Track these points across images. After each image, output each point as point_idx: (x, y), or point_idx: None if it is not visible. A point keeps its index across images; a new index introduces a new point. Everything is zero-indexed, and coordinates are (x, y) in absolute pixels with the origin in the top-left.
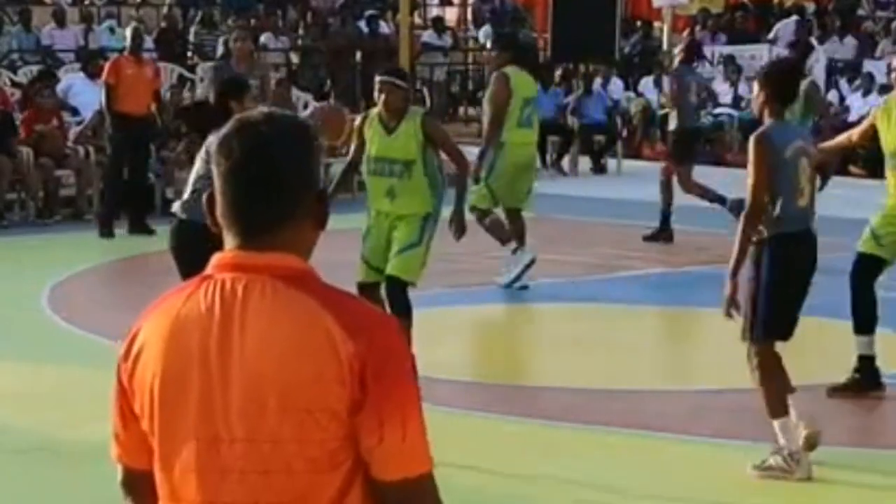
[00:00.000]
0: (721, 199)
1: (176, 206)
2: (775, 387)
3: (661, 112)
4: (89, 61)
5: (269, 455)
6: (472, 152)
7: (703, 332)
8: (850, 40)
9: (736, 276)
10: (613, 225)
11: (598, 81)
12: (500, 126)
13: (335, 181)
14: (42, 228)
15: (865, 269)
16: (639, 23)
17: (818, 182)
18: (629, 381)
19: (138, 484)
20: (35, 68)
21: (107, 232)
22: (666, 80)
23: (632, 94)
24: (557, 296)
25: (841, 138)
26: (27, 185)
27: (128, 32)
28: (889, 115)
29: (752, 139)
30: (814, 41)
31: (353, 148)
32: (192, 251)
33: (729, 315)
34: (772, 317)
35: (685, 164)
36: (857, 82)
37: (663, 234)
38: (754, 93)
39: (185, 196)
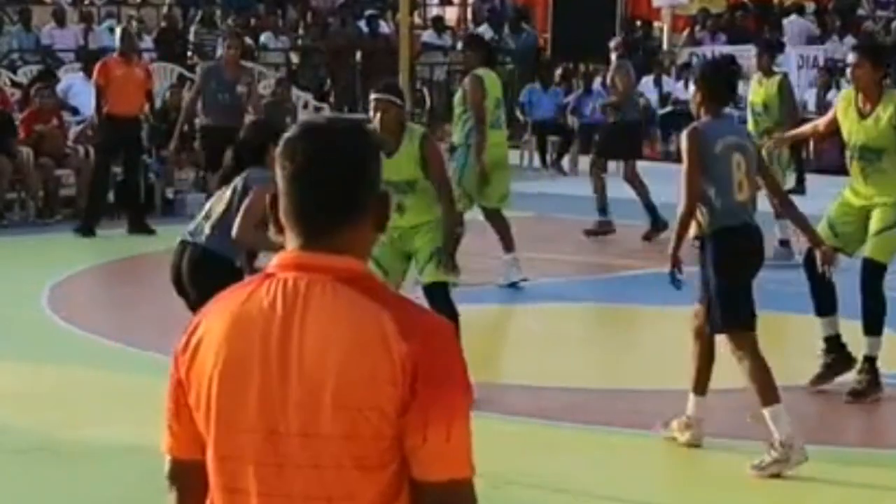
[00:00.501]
0: (652, 209)
1: (193, 234)
2: (764, 374)
3: (600, 105)
4: (89, 61)
5: (321, 451)
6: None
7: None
8: (851, 40)
9: (676, 254)
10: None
11: (597, 81)
12: (485, 124)
13: None
14: (42, 228)
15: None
16: (639, 22)
17: (792, 173)
18: (630, 380)
19: (186, 475)
20: (35, 68)
21: (87, 230)
22: (614, 74)
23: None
24: (557, 296)
25: (807, 128)
26: (27, 185)
27: (118, 33)
28: (847, 108)
29: (683, 134)
30: (785, 40)
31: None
32: (212, 283)
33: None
34: (729, 306)
35: (631, 158)
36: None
37: (657, 227)
38: (692, 93)
39: (208, 226)
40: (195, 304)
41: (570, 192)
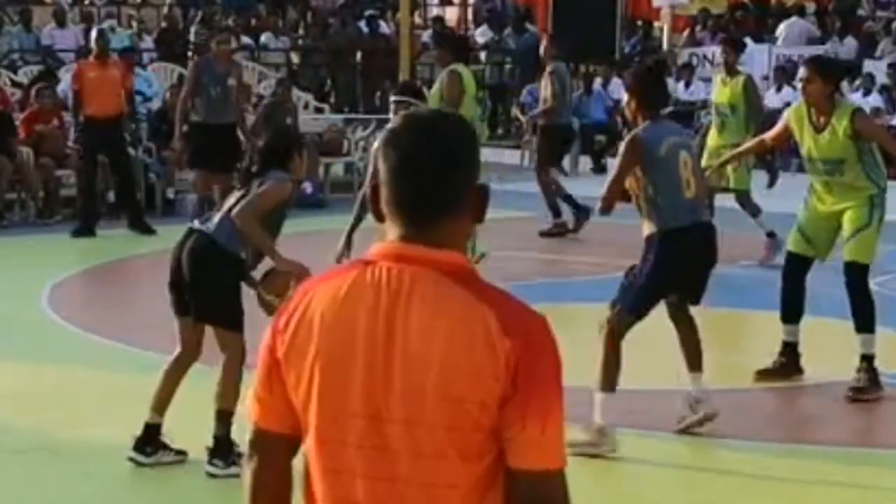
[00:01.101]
0: (575, 205)
1: (202, 223)
2: (616, 360)
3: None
4: None
5: (423, 439)
6: None
7: (703, 331)
8: (851, 41)
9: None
10: (613, 225)
11: (598, 81)
12: None
13: (356, 211)
14: (42, 228)
15: (799, 269)
16: (639, 23)
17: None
18: (630, 380)
19: (268, 446)
20: (35, 68)
21: (84, 231)
22: (547, 78)
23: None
24: (557, 296)
25: (752, 143)
26: (27, 185)
27: (93, 34)
28: (801, 122)
29: (624, 140)
30: (748, 40)
31: (369, 173)
32: (211, 273)
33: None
34: (639, 300)
35: (553, 161)
36: (858, 82)
37: (578, 222)
38: (625, 100)
39: (218, 216)
40: (190, 295)
41: (571, 192)
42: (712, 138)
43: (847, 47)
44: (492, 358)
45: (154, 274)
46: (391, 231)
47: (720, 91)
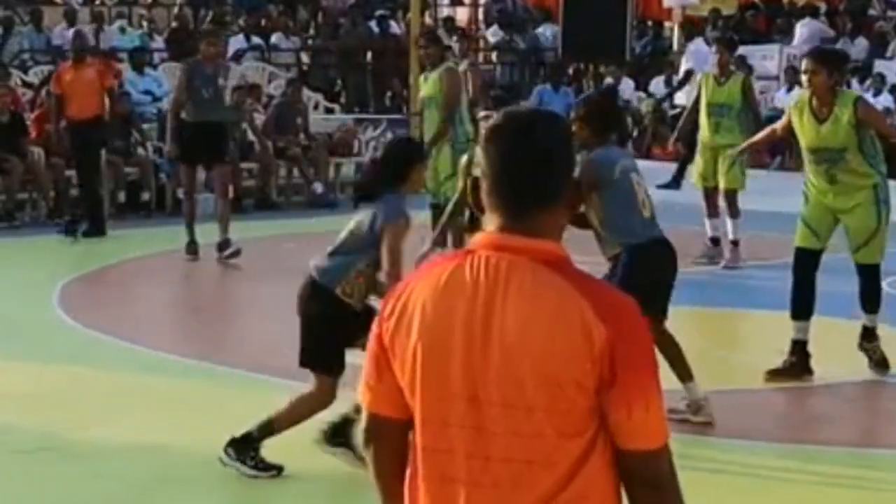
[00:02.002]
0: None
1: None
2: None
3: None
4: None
5: (522, 420)
6: None
7: (702, 332)
8: (862, 41)
9: None
10: None
11: (608, 81)
12: (453, 121)
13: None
14: (53, 228)
15: (809, 264)
16: (650, 23)
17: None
18: None
19: (382, 429)
20: (46, 68)
21: (95, 231)
22: (466, 75)
23: (642, 95)
24: None
25: (766, 132)
26: (38, 185)
27: (69, 34)
28: (801, 114)
29: (579, 167)
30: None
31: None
32: (312, 309)
33: None
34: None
35: None
36: (868, 82)
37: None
38: (574, 128)
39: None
40: (303, 332)
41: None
42: (708, 138)
43: (858, 47)
44: (587, 343)
45: (163, 274)
46: (491, 222)
47: (714, 91)
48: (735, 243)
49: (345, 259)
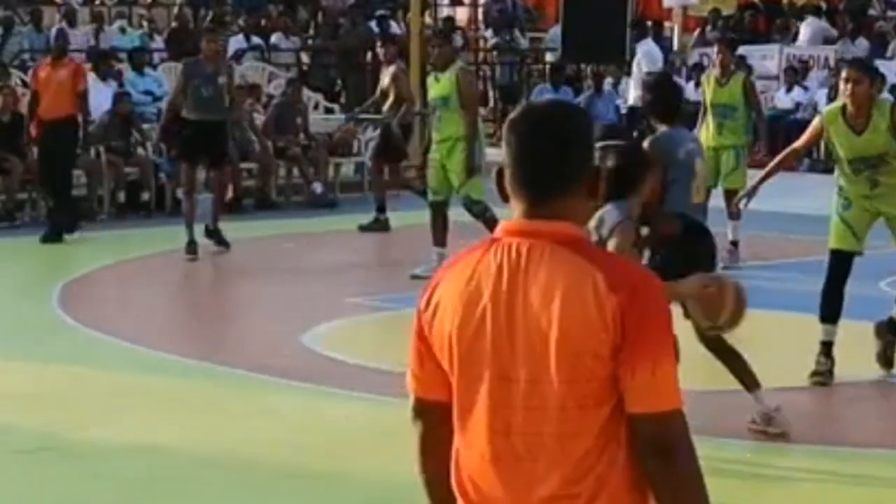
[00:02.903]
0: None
1: None
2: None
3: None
4: (100, 61)
5: (547, 393)
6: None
7: None
8: (862, 41)
9: None
10: None
11: (608, 82)
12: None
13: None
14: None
15: (846, 267)
16: (649, 23)
17: None
18: None
19: (428, 411)
20: None
21: (68, 230)
22: (394, 75)
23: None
24: None
25: (785, 153)
26: (38, 185)
27: (52, 32)
28: (835, 124)
29: (645, 143)
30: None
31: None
32: None
33: None
34: None
35: (398, 159)
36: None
37: (378, 223)
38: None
39: None
40: None
41: (477, 196)
42: (711, 139)
43: (858, 47)
44: (600, 312)
45: (163, 274)
46: (515, 209)
47: (717, 92)
48: (734, 244)
49: None
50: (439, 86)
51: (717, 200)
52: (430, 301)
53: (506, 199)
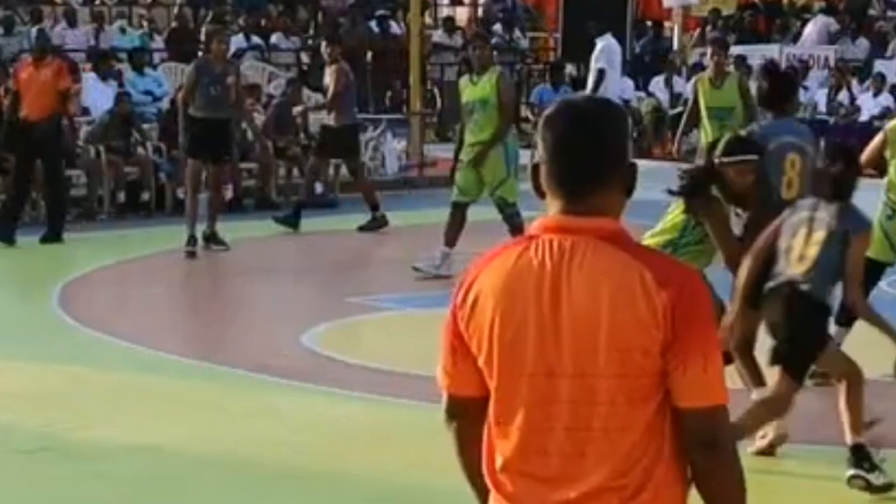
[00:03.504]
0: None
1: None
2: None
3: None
4: (100, 61)
5: (594, 388)
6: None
7: None
8: (862, 41)
9: None
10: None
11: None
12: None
13: None
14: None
15: (878, 277)
16: (649, 23)
17: None
18: None
19: (462, 408)
20: None
21: (55, 236)
22: (334, 75)
23: (642, 95)
24: None
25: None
26: (39, 185)
27: (32, 32)
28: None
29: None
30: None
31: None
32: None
33: None
34: None
35: (328, 158)
36: (868, 82)
37: (376, 222)
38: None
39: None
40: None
41: (510, 198)
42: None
43: (858, 47)
44: (651, 310)
45: (163, 274)
46: (552, 206)
47: (712, 94)
48: None
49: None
50: (478, 88)
51: None
52: (466, 297)
53: (542, 195)
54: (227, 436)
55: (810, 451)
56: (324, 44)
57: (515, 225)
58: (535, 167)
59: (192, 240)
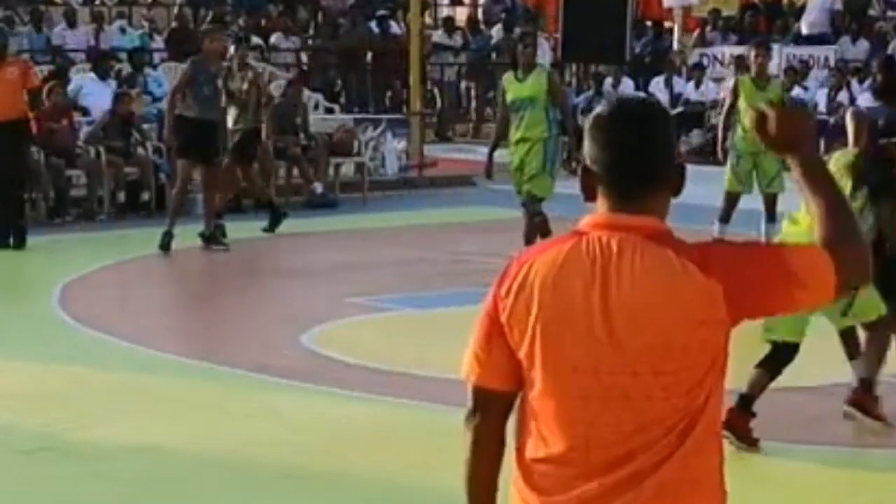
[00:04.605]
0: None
1: None
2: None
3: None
4: (100, 61)
5: (643, 385)
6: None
7: None
8: (862, 41)
9: None
10: None
11: (608, 82)
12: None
13: None
14: (53, 228)
15: None
16: (649, 23)
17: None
18: None
19: (487, 402)
20: (46, 68)
21: (20, 241)
22: (247, 76)
23: (643, 95)
24: None
25: None
26: (38, 185)
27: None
28: None
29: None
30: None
31: None
32: None
33: None
34: None
35: (245, 162)
36: (868, 82)
37: (213, 240)
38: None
39: None
40: None
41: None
42: (753, 143)
43: (858, 47)
44: (709, 303)
45: (163, 274)
46: (601, 204)
47: (756, 96)
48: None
49: None
50: (525, 87)
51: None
52: (511, 288)
53: (590, 197)
54: (227, 436)
55: (811, 451)
56: (234, 47)
57: (536, 222)
58: (586, 168)
59: (167, 237)
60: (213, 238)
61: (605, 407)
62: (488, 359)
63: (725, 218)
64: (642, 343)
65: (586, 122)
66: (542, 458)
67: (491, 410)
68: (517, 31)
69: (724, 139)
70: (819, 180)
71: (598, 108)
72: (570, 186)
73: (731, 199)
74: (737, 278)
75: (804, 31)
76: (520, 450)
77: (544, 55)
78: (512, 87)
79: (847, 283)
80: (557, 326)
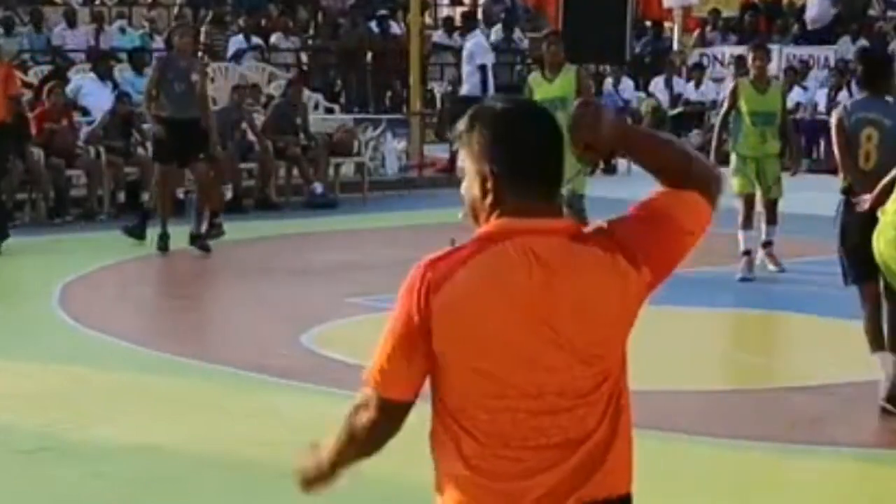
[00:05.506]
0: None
1: None
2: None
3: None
4: (100, 62)
5: (585, 374)
6: None
7: (710, 332)
8: (863, 42)
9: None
10: None
11: (608, 82)
12: None
13: None
14: (53, 228)
15: None
16: (649, 23)
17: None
18: (637, 381)
19: (393, 411)
20: (46, 68)
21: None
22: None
23: (642, 95)
24: None
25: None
26: (38, 186)
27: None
28: None
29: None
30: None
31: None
32: None
33: None
34: (846, 269)
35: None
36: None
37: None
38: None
39: None
40: None
41: (581, 192)
42: (756, 146)
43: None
44: (632, 288)
45: (163, 274)
46: (506, 208)
47: (756, 99)
48: (770, 244)
49: None
50: (554, 86)
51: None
52: (433, 298)
53: (496, 202)
54: (227, 436)
55: (811, 451)
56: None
57: (583, 219)
58: (495, 174)
59: (137, 229)
60: (198, 239)
61: (549, 406)
62: (407, 368)
63: (747, 223)
64: (588, 340)
65: (486, 121)
66: (478, 461)
67: (398, 418)
68: (517, 31)
69: (720, 143)
70: (636, 142)
71: (495, 106)
72: (564, 187)
73: (747, 202)
74: (645, 251)
75: (809, 26)
76: (455, 454)
77: None
78: (540, 87)
79: (715, 201)
80: (500, 333)
